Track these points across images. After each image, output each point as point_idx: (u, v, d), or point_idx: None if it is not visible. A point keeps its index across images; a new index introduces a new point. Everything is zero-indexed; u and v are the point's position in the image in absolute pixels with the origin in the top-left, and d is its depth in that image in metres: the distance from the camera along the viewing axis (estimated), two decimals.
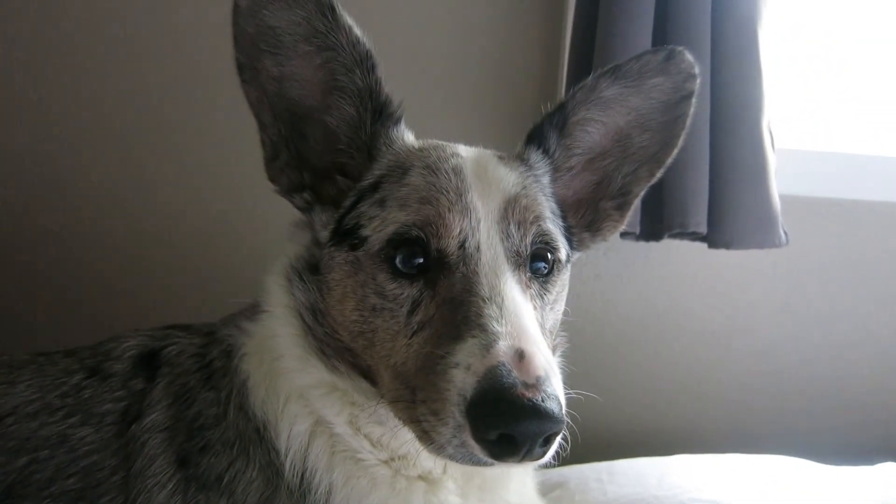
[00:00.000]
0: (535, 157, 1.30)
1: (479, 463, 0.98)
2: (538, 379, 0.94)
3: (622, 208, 1.40)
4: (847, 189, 2.51)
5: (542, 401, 0.91)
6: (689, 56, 1.29)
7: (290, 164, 1.27)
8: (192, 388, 1.26)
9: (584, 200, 1.39)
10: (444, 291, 1.09)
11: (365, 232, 1.17)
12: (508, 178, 1.20)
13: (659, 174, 1.37)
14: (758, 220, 2.07)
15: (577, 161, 1.36)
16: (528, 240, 1.16)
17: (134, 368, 1.31)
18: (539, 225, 1.18)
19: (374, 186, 1.22)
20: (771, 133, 2.09)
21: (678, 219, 2.01)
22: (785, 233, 2.12)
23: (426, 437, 1.01)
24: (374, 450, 1.19)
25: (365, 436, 1.19)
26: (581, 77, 1.98)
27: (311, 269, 1.26)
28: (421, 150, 1.26)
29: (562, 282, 1.25)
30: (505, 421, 0.92)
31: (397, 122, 1.27)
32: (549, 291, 1.20)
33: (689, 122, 1.33)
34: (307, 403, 1.20)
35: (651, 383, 2.50)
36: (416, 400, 1.03)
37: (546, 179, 1.30)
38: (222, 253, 2.26)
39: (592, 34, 2.03)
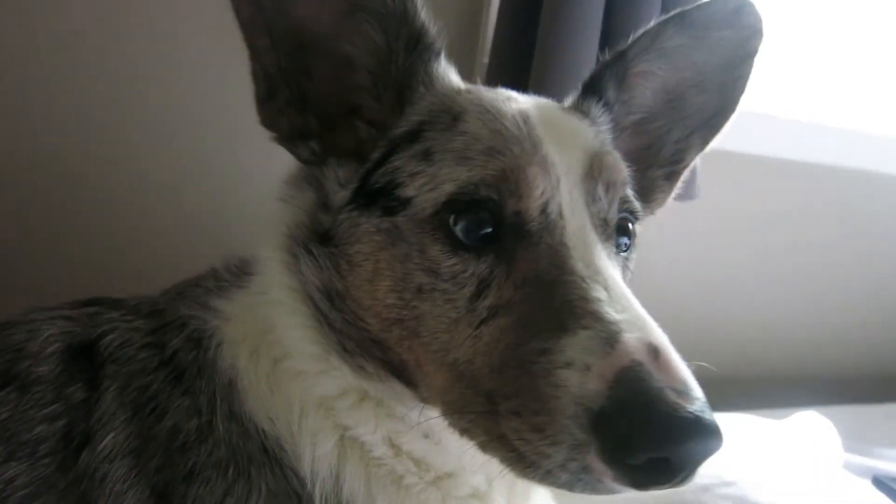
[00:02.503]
0: (596, 110, 1.09)
1: (604, 491, 0.75)
2: (686, 384, 0.73)
3: (671, 178, 1.22)
4: (749, 145, 2.47)
5: (703, 412, 0.71)
6: (757, 10, 1.14)
7: (292, 103, 0.98)
8: (158, 394, 0.93)
9: (632, 168, 1.20)
10: (524, 268, 0.85)
11: (407, 192, 0.90)
12: (586, 130, 0.99)
13: (712, 142, 1.22)
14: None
15: (630, 121, 1.17)
16: (615, 206, 0.95)
17: (66, 369, 0.95)
18: (626, 191, 0.97)
19: (413, 135, 0.95)
20: None
21: None
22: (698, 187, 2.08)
23: (522, 460, 0.77)
24: (418, 471, 0.94)
25: (406, 454, 0.94)
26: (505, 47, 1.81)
27: (319, 240, 0.98)
28: (470, 91, 1.01)
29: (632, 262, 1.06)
30: (664, 440, 0.69)
31: (437, 55, 1.01)
32: (625, 274, 1.00)
33: (747, 85, 1.18)
34: (330, 415, 0.93)
35: None
36: (498, 410, 0.80)
37: (610, 137, 1.09)
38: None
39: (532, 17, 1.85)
